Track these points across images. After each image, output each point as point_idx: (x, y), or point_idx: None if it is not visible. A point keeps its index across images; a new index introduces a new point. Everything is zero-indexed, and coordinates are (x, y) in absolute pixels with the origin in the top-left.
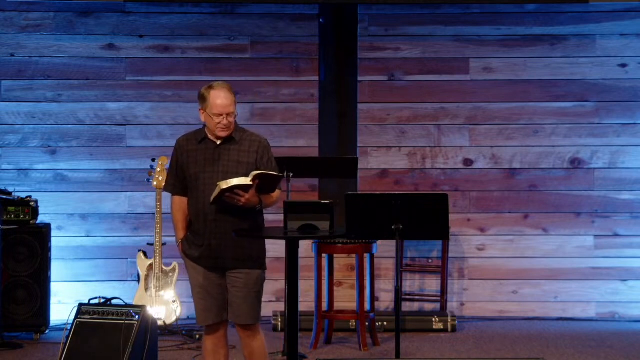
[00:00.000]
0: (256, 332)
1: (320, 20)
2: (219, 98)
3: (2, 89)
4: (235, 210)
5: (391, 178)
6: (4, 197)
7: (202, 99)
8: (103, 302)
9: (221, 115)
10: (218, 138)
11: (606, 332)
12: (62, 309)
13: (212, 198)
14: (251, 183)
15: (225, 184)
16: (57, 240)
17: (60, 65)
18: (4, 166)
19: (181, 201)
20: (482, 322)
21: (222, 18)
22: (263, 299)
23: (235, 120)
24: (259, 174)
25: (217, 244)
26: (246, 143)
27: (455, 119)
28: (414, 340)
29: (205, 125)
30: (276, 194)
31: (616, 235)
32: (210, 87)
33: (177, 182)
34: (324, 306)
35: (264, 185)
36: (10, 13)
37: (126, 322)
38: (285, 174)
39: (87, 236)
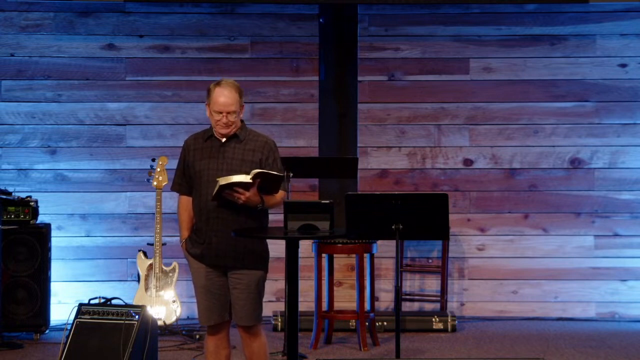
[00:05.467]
0: (258, 332)
1: (320, 20)
2: (222, 96)
3: (2, 89)
4: (237, 209)
5: (391, 178)
6: (4, 197)
7: (208, 94)
8: (103, 302)
9: (221, 113)
10: (223, 135)
11: (606, 332)
12: (62, 309)
13: (213, 194)
14: (251, 181)
15: (224, 180)
16: (57, 240)
17: (60, 65)
18: (4, 166)
19: (187, 201)
20: (482, 322)
21: (222, 18)
22: (263, 299)
23: (242, 120)
24: (259, 172)
25: (218, 241)
26: (251, 142)
27: (455, 119)
28: (414, 340)
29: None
30: (280, 195)
31: (616, 235)
32: (217, 84)
33: (184, 182)
34: (324, 306)
35: (266, 185)
36: (10, 13)
37: (126, 322)
38: (285, 174)
39: (87, 236)
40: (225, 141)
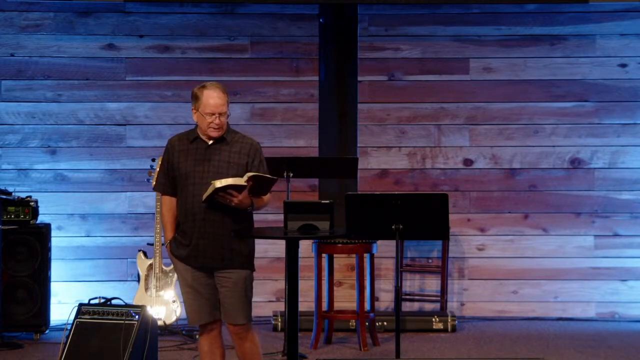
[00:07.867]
0: (248, 332)
1: (320, 20)
2: (212, 97)
3: (2, 89)
4: (223, 211)
5: (391, 178)
6: (4, 197)
7: (195, 98)
8: (103, 302)
9: (213, 114)
10: (210, 138)
11: (606, 332)
12: (62, 309)
13: (204, 196)
14: (245, 184)
15: (219, 183)
16: (57, 240)
17: (60, 65)
18: (4, 166)
19: (171, 201)
20: (482, 322)
21: (222, 18)
22: (263, 299)
23: (228, 122)
24: (253, 175)
25: (205, 243)
26: (237, 144)
27: (455, 119)
28: (414, 340)
29: (197, 125)
30: (267, 196)
31: (616, 235)
32: (203, 87)
33: (168, 182)
34: (324, 306)
35: (258, 187)
36: (10, 13)
37: (126, 322)
38: (285, 174)
39: (87, 236)
40: (212, 143)
